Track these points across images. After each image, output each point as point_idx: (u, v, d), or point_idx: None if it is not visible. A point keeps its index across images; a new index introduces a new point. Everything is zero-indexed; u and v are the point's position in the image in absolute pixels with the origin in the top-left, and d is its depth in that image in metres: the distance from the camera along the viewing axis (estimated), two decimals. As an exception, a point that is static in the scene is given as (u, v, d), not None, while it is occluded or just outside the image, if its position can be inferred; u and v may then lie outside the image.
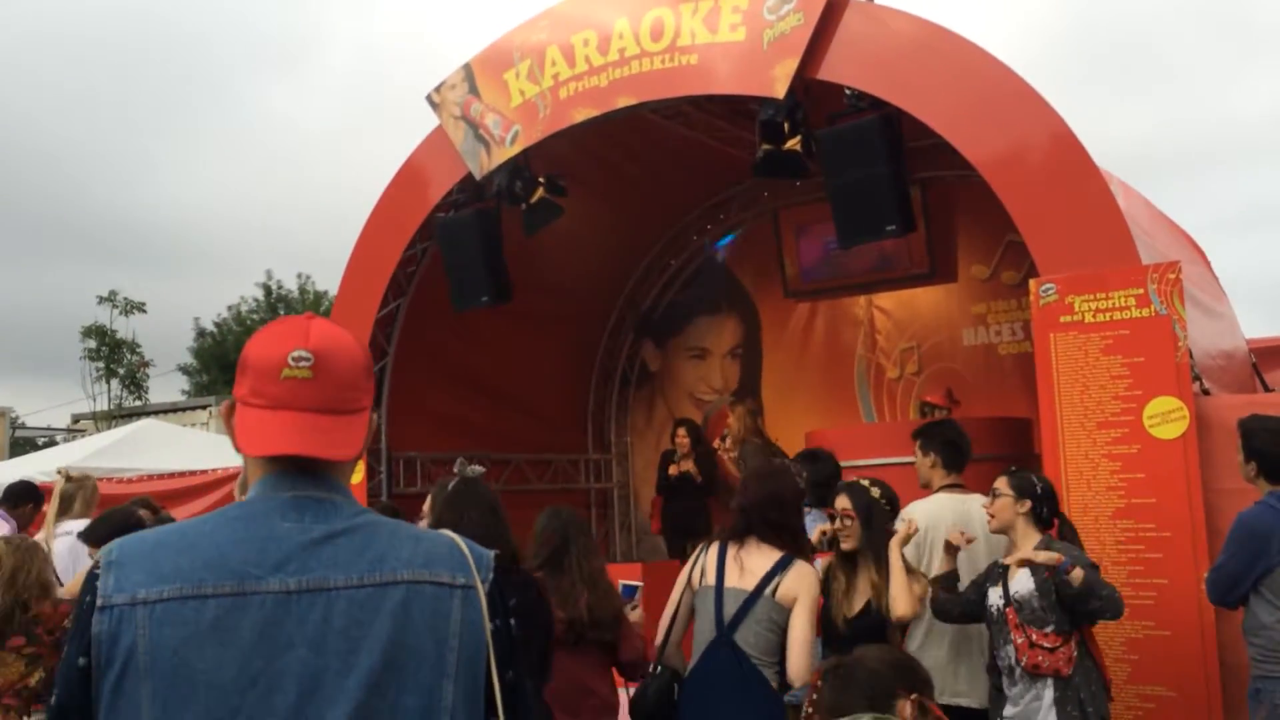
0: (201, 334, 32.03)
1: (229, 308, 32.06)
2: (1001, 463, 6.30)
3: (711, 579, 3.52)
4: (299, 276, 32.74)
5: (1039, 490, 4.06)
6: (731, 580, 3.48)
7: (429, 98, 7.53)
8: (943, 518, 4.47)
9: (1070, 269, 5.25)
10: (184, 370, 32.79)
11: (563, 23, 7.03)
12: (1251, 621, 3.93)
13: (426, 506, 3.26)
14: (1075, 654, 3.77)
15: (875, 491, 4.09)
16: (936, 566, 4.28)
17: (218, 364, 30.40)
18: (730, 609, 3.44)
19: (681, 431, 8.77)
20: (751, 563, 3.47)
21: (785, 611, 3.40)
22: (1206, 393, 5.23)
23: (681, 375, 10.62)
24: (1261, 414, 4.14)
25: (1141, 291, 5.03)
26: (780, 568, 3.44)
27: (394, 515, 4.36)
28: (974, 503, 4.49)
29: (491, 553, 1.50)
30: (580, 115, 6.91)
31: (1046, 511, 4.06)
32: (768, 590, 3.42)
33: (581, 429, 10.63)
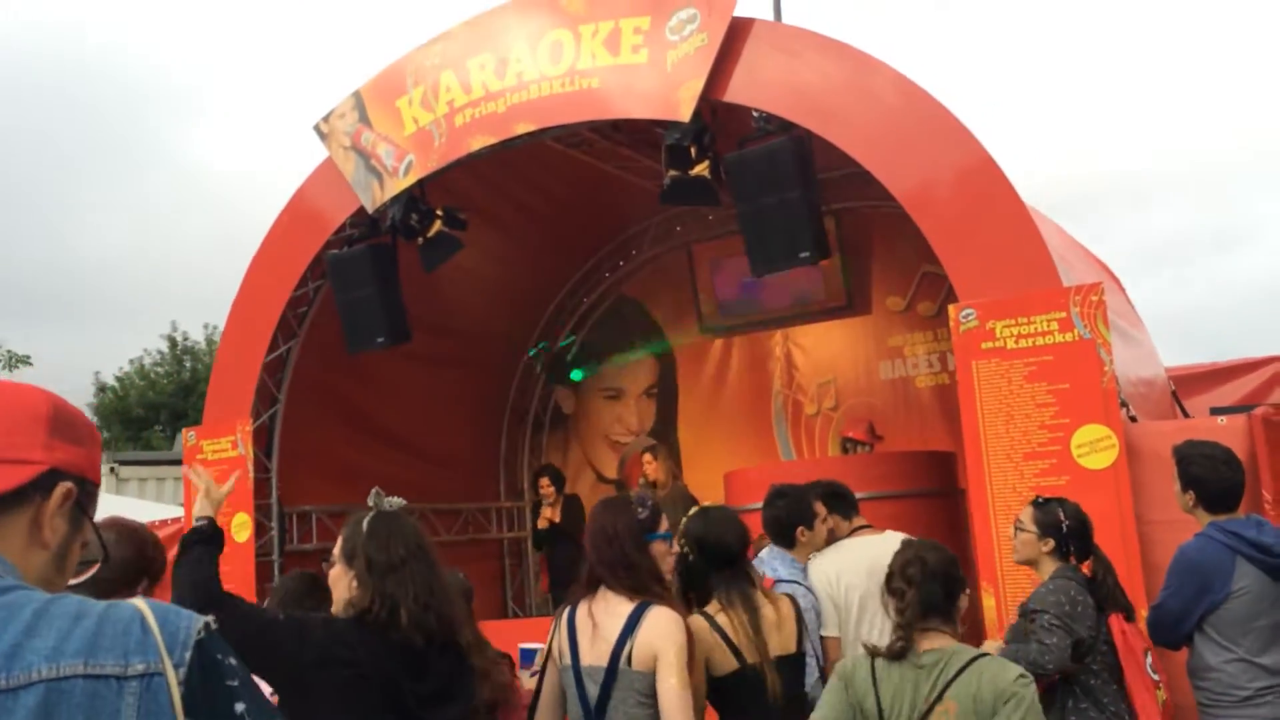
0: (102, 389, 30.55)
1: (131, 361, 30.75)
2: (925, 498, 6.06)
3: (568, 656, 3.00)
4: (206, 327, 31.50)
5: (1065, 529, 3.77)
6: (585, 656, 2.96)
7: (316, 127, 7.10)
8: (858, 565, 4.06)
9: (990, 294, 5.02)
10: (83, 426, 31.26)
11: (457, 47, 6.68)
12: (1197, 663, 3.65)
13: (337, 550, 2.73)
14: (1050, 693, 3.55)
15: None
16: (865, 622, 3.93)
17: (120, 420, 29.01)
18: (593, 691, 2.93)
19: (544, 480, 8.43)
20: (603, 626, 2.94)
21: (650, 677, 2.87)
22: (1134, 420, 5.02)
23: (596, 417, 10.24)
24: (1196, 439, 3.90)
25: (1064, 315, 4.82)
26: (630, 627, 2.89)
27: (313, 585, 3.74)
28: (889, 543, 4.09)
29: (198, 621, 1.11)
30: (478, 143, 6.55)
31: (1074, 550, 3.78)
32: (622, 661, 2.89)
33: (493, 476, 10.14)
